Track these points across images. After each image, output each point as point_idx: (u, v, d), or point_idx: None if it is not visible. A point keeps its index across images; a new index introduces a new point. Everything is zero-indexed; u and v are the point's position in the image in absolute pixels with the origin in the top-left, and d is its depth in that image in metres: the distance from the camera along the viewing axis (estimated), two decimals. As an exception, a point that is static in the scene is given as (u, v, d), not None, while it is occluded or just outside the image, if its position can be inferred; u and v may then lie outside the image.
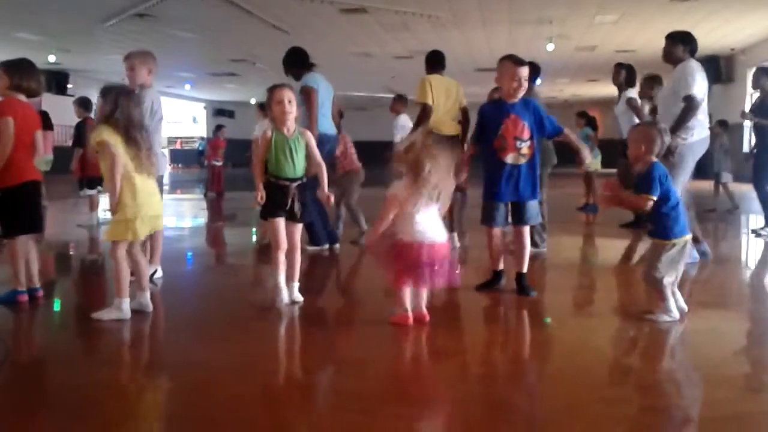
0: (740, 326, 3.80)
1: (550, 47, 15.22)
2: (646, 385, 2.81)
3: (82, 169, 8.06)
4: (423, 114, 5.86)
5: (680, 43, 5.28)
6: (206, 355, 3.19)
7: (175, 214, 10.18)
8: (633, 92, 6.85)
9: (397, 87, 25.67)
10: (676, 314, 3.57)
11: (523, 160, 4.10)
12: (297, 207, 3.92)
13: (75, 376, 2.88)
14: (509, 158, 4.09)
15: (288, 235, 3.98)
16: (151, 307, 3.79)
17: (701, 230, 5.45)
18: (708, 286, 4.81)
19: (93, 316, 3.62)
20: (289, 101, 3.86)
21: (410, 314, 3.50)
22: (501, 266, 4.36)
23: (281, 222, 3.94)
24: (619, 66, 7.04)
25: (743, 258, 6.37)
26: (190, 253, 6.41)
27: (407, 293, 3.51)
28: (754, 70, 7.74)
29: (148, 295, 3.81)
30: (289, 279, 4.04)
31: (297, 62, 6.06)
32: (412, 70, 20.43)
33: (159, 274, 4.70)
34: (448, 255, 3.53)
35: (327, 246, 5.94)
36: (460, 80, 6.36)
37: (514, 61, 4.11)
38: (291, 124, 3.90)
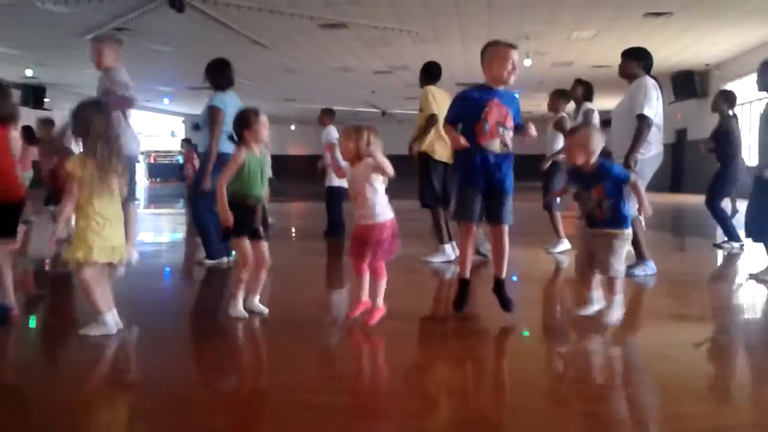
0: (713, 339, 3.85)
1: (527, 63, 15.39)
2: (620, 399, 2.83)
3: (53, 180, 7.96)
4: (428, 124, 6.07)
5: (634, 60, 5.41)
6: (180, 372, 3.16)
7: (152, 228, 10.11)
8: (591, 105, 6.97)
9: (377, 101, 25.87)
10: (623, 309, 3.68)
11: (504, 149, 3.83)
12: (259, 225, 4.02)
13: (46, 395, 2.83)
14: (490, 144, 3.79)
15: (259, 252, 4.05)
16: (120, 325, 3.71)
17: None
18: (681, 300, 4.85)
19: (81, 332, 3.57)
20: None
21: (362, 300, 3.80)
22: (468, 273, 4.05)
23: (246, 240, 3.99)
24: (577, 82, 7.18)
25: (716, 271, 6.44)
26: (167, 269, 6.36)
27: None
28: (726, 86, 7.84)
29: (115, 312, 3.70)
30: (252, 293, 4.11)
31: (213, 76, 6.05)
32: (392, 84, 20.63)
33: (135, 258, 4.75)
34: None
35: (225, 259, 5.92)
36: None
37: (506, 44, 3.85)
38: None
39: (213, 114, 5.75)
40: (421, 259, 6.16)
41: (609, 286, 3.68)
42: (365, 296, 3.85)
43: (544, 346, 3.64)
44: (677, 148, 20.11)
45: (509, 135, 3.85)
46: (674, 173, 20.35)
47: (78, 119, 3.58)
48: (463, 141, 3.75)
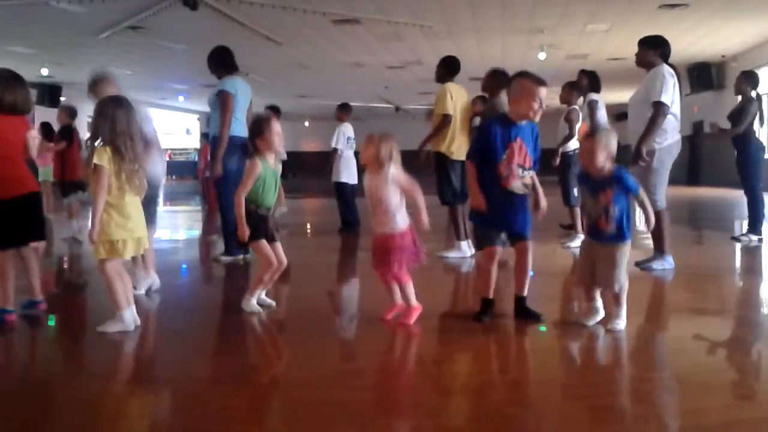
0: (732, 333, 3.82)
1: (542, 56, 15.30)
2: (636, 393, 2.82)
3: (62, 173, 8.02)
4: (443, 124, 6.07)
5: (650, 48, 5.37)
6: (199, 368, 3.19)
7: (169, 226, 10.17)
8: (595, 96, 6.95)
9: (390, 97, 25.84)
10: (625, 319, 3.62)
11: (525, 191, 3.73)
12: (272, 230, 4.09)
13: (68, 391, 2.87)
14: (512, 186, 3.70)
15: (276, 255, 4.08)
16: (138, 322, 3.73)
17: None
18: (699, 294, 4.82)
19: (98, 329, 3.61)
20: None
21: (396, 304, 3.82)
22: (492, 294, 3.90)
23: (265, 243, 4.04)
24: (582, 72, 7.16)
25: (735, 265, 6.38)
26: (184, 266, 6.39)
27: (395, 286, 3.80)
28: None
29: (134, 308, 3.73)
30: (263, 287, 4.18)
31: (219, 62, 6.14)
32: (405, 80, 20.59)
33: (156, 285, 4.72)
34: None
35: (241, 256, 5.94)
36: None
37: (535, 80, 3.72)
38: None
39: (224, 98, 5.78)
40: (436, 254, 6.15)
41: (614, 299, 3.62)
42: (398, 299, 3.83)
43: (561, 341, 3.63)
44: (694, 140, 19.92)
45: (528, 175, 3.74)
46: (691, 166, 20.18)
47: (101, 117, 3.59)
48: (483, 204, 3.70)
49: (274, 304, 4.16)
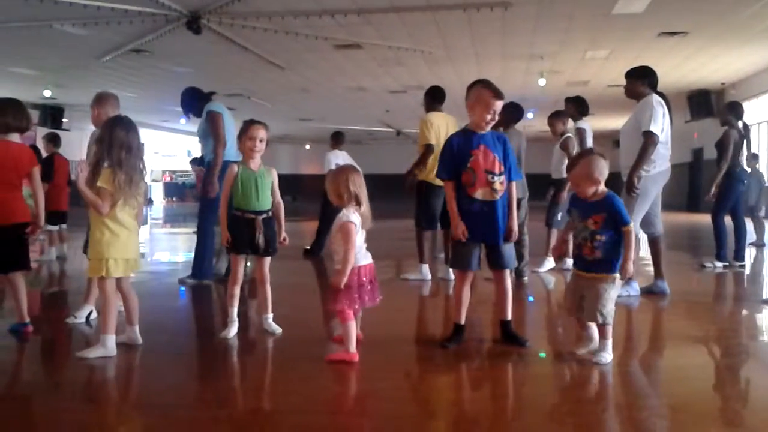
0: (731, 361, 3.78)
1: (542, 82, 15.40)
2: (635, 421, 2.78)
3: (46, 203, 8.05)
4: (425, 153, 6.18)
5: (638, 79, 5.41)
6: (192, 393, 3.16)
7: (168, 248, 10.15)
8: (584, 123, 6.98)
9: (391, 121, 25.96)
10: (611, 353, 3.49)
11: (496, 196, 3.71)
12: (261, 240, 4.03)
13: (60, 414, 2.83)
14: (479, 194, 3.70)
15: (259, 268, 4.14)
16: (140, 341, 3.78)
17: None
18: (698, 321, 4.78)
19: (78, 355, 3.57)
20: (261, 140, 4.04)
21: (354, 352, 3.51)
22: (464, 320, 3.87)
23: (242, 258, 4.11)
24: (567, 100, 7.21)
25: (734, 292, 6.35)
26: (182, 288, 6.36)
27: (353, 326, 3.53)
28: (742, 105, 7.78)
29: (137, 329, 3.80)
30: (264, 311, 4.17)
31: (194, 98, 6.31)
32: (407, 104, 20.72)
33: (93, 315, 4.51)
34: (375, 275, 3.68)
35: (207, 281, 6.06)
36: (453, 114, 6.49)
37: (493, 91, 3.70)
38: (258, 159, 4.07)
39: (213, 117, 5.85)
40: (400, 276, 6.40)
41: (600, 331, 3.52)
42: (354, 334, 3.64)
43: (555, 367, 3.58)
44: (694, 167, 19.98)
45: (499, 180, 3.72)
46: (691, 192, 20.22)
47: (101, 139, 3.65)
48: (460, 232, 3.70)
49: (279, 330, 4.11)
